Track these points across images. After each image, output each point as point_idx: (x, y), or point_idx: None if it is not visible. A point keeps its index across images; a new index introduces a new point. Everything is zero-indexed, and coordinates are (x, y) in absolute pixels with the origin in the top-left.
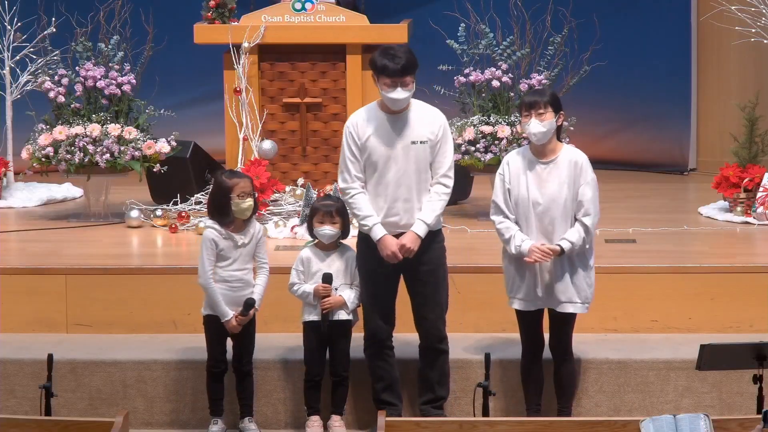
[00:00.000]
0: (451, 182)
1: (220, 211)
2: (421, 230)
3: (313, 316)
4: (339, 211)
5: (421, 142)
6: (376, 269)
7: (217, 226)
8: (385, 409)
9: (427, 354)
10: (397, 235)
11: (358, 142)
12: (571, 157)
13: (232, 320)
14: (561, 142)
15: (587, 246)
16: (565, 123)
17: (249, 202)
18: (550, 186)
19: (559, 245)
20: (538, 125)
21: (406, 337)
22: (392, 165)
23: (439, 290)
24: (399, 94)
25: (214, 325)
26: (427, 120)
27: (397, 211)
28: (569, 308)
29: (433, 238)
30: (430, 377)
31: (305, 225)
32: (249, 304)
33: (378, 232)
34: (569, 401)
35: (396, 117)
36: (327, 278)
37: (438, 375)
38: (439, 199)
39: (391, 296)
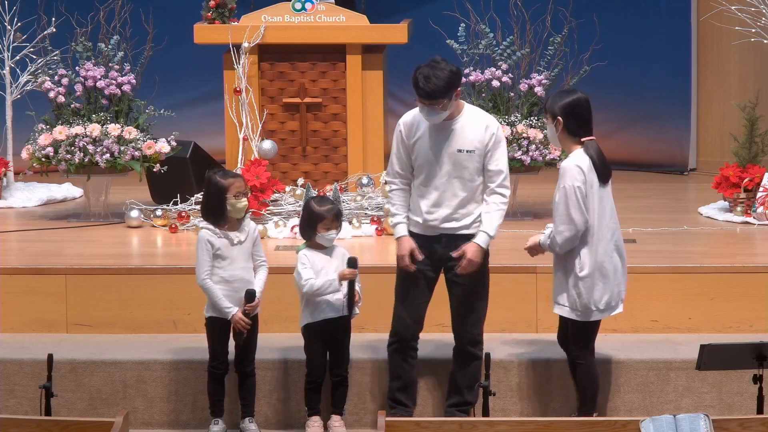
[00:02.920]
0: (507, 192)
1: (216, 211)
2: (482, 241)
3: (330, 313)
4: (340, 213)
5: (467, 151)
6: (418, 268)
7: (211, 226)
8: (396, 408)
9: (459, 357)
10: (436, 237)
11: (407, 142)
12: (564, 162)
13: (238, 314)
14: (577, 145)
15: (556, 250)
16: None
17: (244, 201)
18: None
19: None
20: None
21: (433, 338)
22: (437, 171)
23: (474, 294)
24: (429, 114)
25: (217, 327)
26: (476, 128)
27: (438, 216)
28: (554, 307)
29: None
30: (460, 381)
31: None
32: (250, 294)
33: (399, 231)
34: (581, 404)
35: (443, 124)
36: (352, 263)
37: (468, 380)
38: (498, 209)
39: (424, 297)
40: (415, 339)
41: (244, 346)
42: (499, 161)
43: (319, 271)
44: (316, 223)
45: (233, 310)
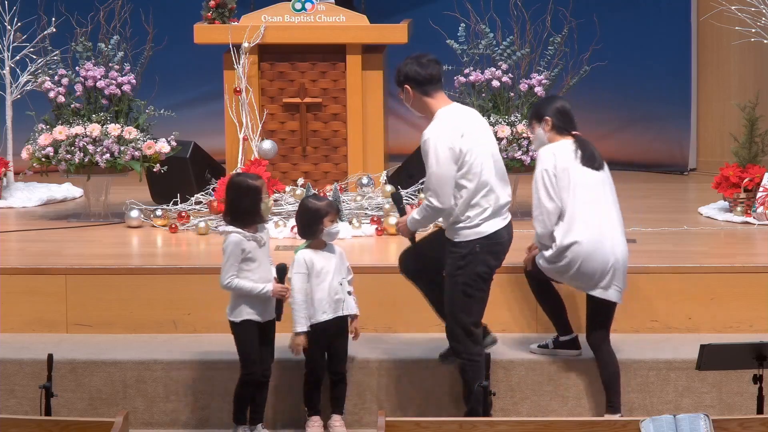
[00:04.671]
0: (430, 200)
1: (249, 213)
2: (408, 218)
3: (329, 315)
4: (339, 207)
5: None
6: None
7: (240, 230)
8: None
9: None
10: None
11: None
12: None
13: (275, 286)
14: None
15: (537, 238)
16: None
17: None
18: None
19: None
20: (532, 140)
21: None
22: None
23: (447, 295)
24: None
25: (251, 330)
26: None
27: None
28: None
29: (449, 246)
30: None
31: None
32: (282, 269)
33: None
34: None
35: None
36: (396, 198)
37: (463, 388)
38: (421, 206)
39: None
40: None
41: (264, 352)
42: (426, 171)
43: (319, 272)
44: (322, 218)
45: (269, 286)
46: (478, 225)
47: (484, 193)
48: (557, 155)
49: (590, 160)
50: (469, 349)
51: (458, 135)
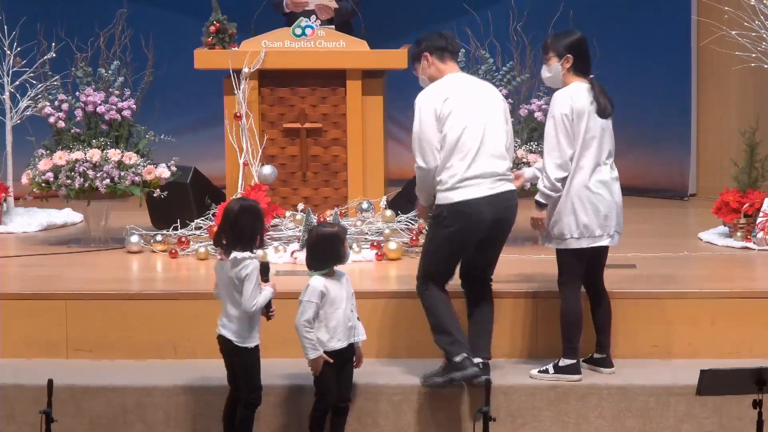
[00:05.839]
0: (416, 160)
1: (261, 236)
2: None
3: (342, 343)
4: None
5: None
6: None
7: (254, 255)
8: None
9: None
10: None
11: None
12: (558, 91)
13: (273, 284)
14: (581, 81)
15: (548, 182)
16: None
17: None
18: None
19: None
20: (543, 71)
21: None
22: None
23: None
24: None
25: (258, 353)
26: None
27: None
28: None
29: None
30: None
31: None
32: (266, 266)
33: None
34: (562, 343)
35: None
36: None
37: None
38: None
39: None
40: None
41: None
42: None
43: (333, 299)
44: (342, 241)
45: (269, 288)
46: (449, 189)
47: (460, 156)
48: (574, 98)
49: (602, 110)
50: (427, 287)
51: (442, 98)
